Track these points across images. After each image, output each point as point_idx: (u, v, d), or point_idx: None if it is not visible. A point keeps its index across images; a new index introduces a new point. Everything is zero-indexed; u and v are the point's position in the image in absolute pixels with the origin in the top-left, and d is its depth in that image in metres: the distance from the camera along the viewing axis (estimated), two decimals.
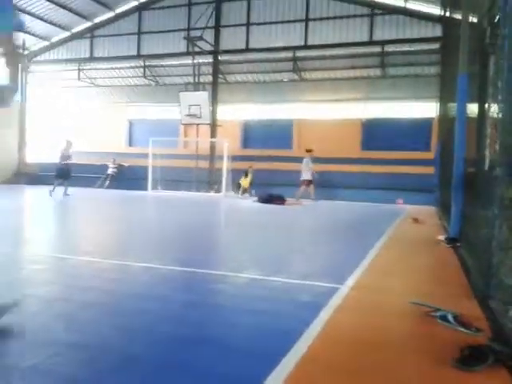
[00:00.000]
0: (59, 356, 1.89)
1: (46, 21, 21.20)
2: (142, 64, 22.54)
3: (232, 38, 20.12)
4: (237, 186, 18.20)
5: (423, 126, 20.44)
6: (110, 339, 2.15)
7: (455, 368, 1.91)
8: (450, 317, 2.52)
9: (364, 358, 2.01)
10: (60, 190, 13.78)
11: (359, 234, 7.25)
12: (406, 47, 18.61)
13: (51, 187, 13.90)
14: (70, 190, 14.20)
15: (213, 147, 19.58)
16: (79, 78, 24.02)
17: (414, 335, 2.40)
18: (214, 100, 19.42)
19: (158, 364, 1.87)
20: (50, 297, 2.84)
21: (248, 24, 19.97)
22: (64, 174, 14.44)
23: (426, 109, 20.66)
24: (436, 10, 17.15)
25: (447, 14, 13.96)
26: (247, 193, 18.01)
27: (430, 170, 15.54)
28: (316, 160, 16.74)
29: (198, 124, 19.45)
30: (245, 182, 18.05)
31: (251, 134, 22.40)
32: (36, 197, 14.53)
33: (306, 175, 15.91)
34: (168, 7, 21.11)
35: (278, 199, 13.79)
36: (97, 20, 22.33)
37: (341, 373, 1.86)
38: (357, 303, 2.98)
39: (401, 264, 4.62)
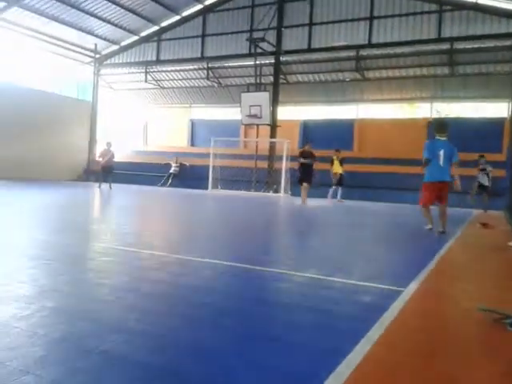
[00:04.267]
0: (129, 343, 1.98)
1: (116, 25, 22.25)
2: (206, 66, 23.06)
3: (294, 39, 20.12)
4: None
5: (494, 126, 19.39)
6: (176, 330, 2.22)
7: None
8: None
9: (427, 364, 1.95)
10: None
11: (424, 238, 7.01)
12: (476, 44, 17.72)
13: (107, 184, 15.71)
14: (134, 187, 14.83)
15: (272, 147, 19.67)
16: (146, 80, 24.99)
17: (481, 343, 2.29)
18: (275, 100, 19.50)
19: (224, 356, 1.91)
20: (120, 287, 2.99)
21: (310, 24, 19.89)
22: (108, 171, 17.47)
23: (498, 108, 19.60)
24: (509, 5, 16.22)
25: None
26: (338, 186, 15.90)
27: (501, 172, 14.69)
28: (376, 161, 16.38)
29: (258, 124, 19.61)
30: (337, 167, 15.97)
31: (311, 135, 22.22)
32: (103, 193, 15.26)
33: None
34: (231, 9, 21.47)
35: None
36: (164, 24, 23.11)
37: (403, 378, 1.81)
38: (421, 307, 2.88)
39: (468, 269, 4.42)
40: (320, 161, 19.74)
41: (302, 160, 13.28)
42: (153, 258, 4.05)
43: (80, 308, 2.45)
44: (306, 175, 13.27)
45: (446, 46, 18.26)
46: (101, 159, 17.74)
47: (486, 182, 13.93)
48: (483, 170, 13.97)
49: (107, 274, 3.37)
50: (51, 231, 5.58)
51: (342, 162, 16.12)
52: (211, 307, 2.63)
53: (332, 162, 15.90)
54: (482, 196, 14.08)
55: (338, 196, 15.81)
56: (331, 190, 15.82)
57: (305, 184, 13.36)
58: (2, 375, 1.58)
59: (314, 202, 14.12)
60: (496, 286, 3.76)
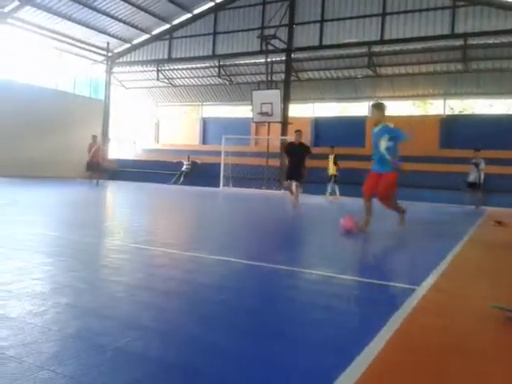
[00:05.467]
0: (143, 340, 1.99)
1: (128, 24, 22.36)
2: (217, 64, 23.07)
3: (305, 35, 20.03)
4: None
5: (509, 122, 19.14)
6: (188, 327, 2.23)
7: None
8: None
9: (440, 363, 1.93)
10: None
11: (437, 236, 6.95)
12: (490, 40, 17.49)
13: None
14: (146, 184, 14.88)
15: (283, 145, 19.59)
16: (158, 78, 25.08)
17: (495, 341, 2.26)
18: (286, 98, 19.43)
19: (236, 352, 1.92)
20: (134, 284, 3.01)
21: (322, 20, 19.78)
22: (94, 168, 16.48)
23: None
24: None
25: None
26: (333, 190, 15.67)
27: None
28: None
29: (269, 122, 19.58)
30: (330, 168, 15.64)
31: (322, 132, 22.16)
32: (115, 191, 15.37)
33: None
34: (243, 7, 21.43)
35: None
36: (175, 22, 23.17)
37: (415, 377, 1.80)
38: (434, 305, 2.86)
39: (482, 267, 4.37)
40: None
41: (286, 160, 10.77)
42: (165, 256, 4.07)
43: (94, 305, 2.47)
44: (292, 170, 10.31)
45: (459, 42, 18.04)
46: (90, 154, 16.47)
47: (472, 178, 13.71)
48: (476, 164, 13.71)
49: (120, 272, 3.39)
50: (65, 228, 5.64)
51: (335, 160, 15.68)
52: (225, 305, 2.64)
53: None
54: (472, 193, 13.89)
55: (331, 191, 15.54)
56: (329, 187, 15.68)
57: (285, 182, 10.89)
58: (18, 371, 1.60)
59: (312, 200, 14.06)
60: (509, 284, 3.71)
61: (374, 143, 6.41)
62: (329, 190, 15.66)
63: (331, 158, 15.80)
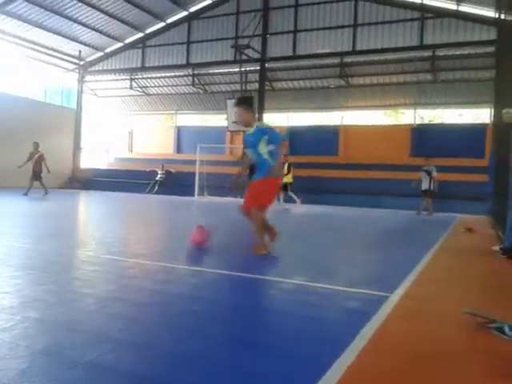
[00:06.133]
0: (114, 353, 1.96)
1: (100, 32, 22.13)
2: (191, 72, 23.05)
3: (279, 45, 20.24)
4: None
5: (476, 132, 19.72)
6: (161, 338, 2.21)
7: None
8: (506, 329, 2.41)
9: (415, 368, 1.96)
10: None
11: (408, 243, 7.07)
12: (458, 51, 18.05)
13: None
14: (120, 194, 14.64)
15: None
16: (131, 87, 24.88)
17: (467, 347, 2.32)
18: (260, 107, 19.52)
19: (209, 363, 1.90)
20: (106, 296, 2.95)
21: (295, 31, 20.04)
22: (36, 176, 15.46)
23: (480, 114, 19.93)
24: (490, 13, 16.57)
25: (502, 16, 13.43)
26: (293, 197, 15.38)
27: (483, 177, 14.91)
28: (361, 167, 16.41)
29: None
30: (286, 177, 14.78)
31: (297, 141, 22.33)
32: (87, 201, 15.11)
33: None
34: (216, 16, 21.52)
35: None
36: (148, 30, 23.08)
37: (389, 383, 1.82)
38: (408, 312, 2.90)
39: (454, 274, 4.47)
40: (304, 167, 19.96)
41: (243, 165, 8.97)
42: (137, 267, 4.01)
43: (64, 318, 2.42)
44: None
45: (428, 53, 18.56)
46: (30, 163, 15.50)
47: (426, 185, 13.95)
48: (428, 172, 13.96)
49: (92, 284, 3.33)
50: (35, 240, 5.50)
51: (290, 168, 14.87)
52: (197, 315, 2.62)
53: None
54: (424, 199, 14.13)
55: (281, 201, 14.74)
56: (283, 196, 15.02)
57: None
58: None
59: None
60: (482, 291, 3.81)
61: (253, 149, 5.09)
62: (281, 199, 14.94)
63: (285, 166, 14.89)
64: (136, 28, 22.67)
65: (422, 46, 18.08)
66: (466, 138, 19.47)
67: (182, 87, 24.73)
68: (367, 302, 3.07)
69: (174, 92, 25.40)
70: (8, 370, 1.71)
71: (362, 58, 19.70)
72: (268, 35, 20.04)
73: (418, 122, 22.39)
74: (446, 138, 19.88)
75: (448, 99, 20.81)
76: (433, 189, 13.95)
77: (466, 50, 17.82)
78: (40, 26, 20.40)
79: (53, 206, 12.10)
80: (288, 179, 14.94)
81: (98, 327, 2.31)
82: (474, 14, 17.40)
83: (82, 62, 23.68)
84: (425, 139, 20.54)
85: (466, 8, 17.55)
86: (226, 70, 22.18)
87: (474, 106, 21.08)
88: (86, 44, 22.84)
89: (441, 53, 18.35)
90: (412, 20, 18.21)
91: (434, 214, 14.00)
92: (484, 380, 1.88)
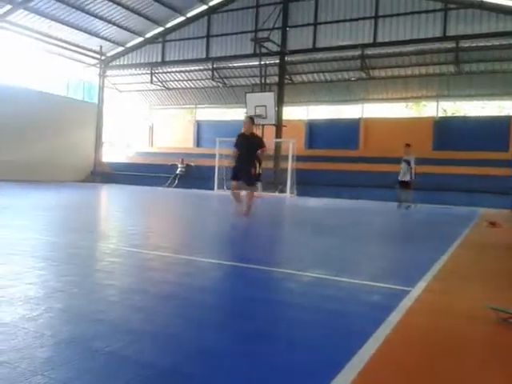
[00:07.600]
0: (136, 344, 1.98)
1: (121, 27, 22.32)
2: (211, 66, 23.08)
3: (299, 38, 20.10)
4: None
5: (500, 124, 19.32)
6: (182, 330, 2.23)
7: None
8: None
9: (435, 363, 1.94)
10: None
11: (431, 237, 6.97)
12: (482, 42, 17.64)
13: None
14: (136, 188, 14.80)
15: (278, 147, 19.64)
16: (151, 82, 25.04)
17: (489, 342, 2.28)
18: (280, 100, 19.47)
19: (228, 355, 1.91)
20: (127, 288, 2.99)
21: (315, 23, 19.86)
22: None
23: (504, 107, 19.47)
24: None
25: None
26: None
27: (507, 171, 14.60)
28: (381, 160, 16.21)
29: (263, 125, 19.60)
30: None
31: (316, 134, 22.21)
32: (108, 194, 15.31)
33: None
34: (236, 10, 21.47)
35: None
36: (168, 25, 23.16)
37: (410, 376, 1.80)
38: (429, 306, 2.87)
39: (477, 268, 4.39)
40: (324, 160, 19.83)
41: (234, 152, 8.54)
42: (158, 259, 4.05)
43: (87, 309, 2.46)
44: (238, 168, 8.23)
45: (451, 45, 18.18)
46: None
47: (405, 177, 12.94)
48: (407, 162, 12.94)
49: (114, 275, 3.38)
50: (59, 232, 5.61)
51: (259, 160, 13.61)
52: (217, 308, 2.63)
53: None
54: (403, 191, 13.13)
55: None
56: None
57: (234, 183, 8.29)
58: (11, 376, 1.59)
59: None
60: (506, 286, 3.73)
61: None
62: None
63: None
64: (156, 22, 22.79)
65: (445, 38, 17.72)
66: (489, 131, 19.07)
67: (202, 81, 24.79)
68: (389, 296, 3.04)
69: (193, 86, 25.49)
70: (34, 359, 1.75)
71: (383, 50, 19.43)
72: (288, 28, 19.91)
73: (441, 114, 22.01)
74: (469, 131, 19.51)
75: (472, 91, 20.40)
76: (411, 179, 12.94)
77: (491, 42, 17.40)
78: (61, 21, 20.68)
79: (75, 199, 12.30)
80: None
81: (120, 318, 2.34)
82: (498, 5, 16.96)
83: (103, 57, 23.92)
84: (447, 132, 20.19)
85: None
86: (246, 64, 22.14)
87: (498, 97, 20.63)
88: (106, 39, 23.07)
89: (465, 44, 17.96)
90: (435, 11, 17.86)
91: (416, 206, 13.01)
92: (509, 377, 1.85)
